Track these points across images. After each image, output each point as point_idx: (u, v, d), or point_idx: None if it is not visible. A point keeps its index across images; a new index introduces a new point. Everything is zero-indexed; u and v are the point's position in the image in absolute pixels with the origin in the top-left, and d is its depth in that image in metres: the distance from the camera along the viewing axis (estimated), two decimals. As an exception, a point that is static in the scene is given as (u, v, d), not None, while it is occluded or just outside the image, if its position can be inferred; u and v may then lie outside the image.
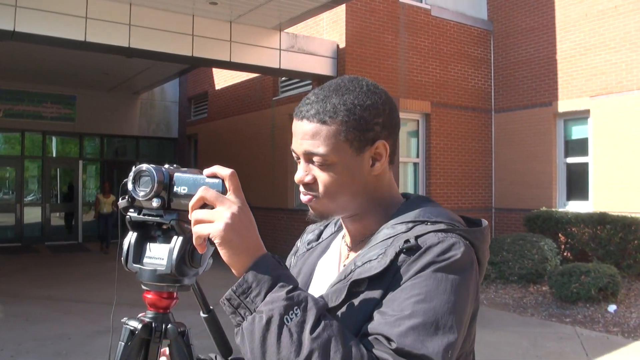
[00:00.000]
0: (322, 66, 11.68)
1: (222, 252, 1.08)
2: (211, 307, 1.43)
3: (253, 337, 1.05)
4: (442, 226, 1.21)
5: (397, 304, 1.10)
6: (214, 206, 1.08)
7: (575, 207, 12.04)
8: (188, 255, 1.18)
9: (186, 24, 9.82)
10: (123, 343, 1.20)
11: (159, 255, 1.20)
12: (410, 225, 1.23)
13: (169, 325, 1.24)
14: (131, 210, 1.21)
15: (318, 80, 12.19)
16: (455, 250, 1.15)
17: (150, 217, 1.19)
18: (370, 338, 1.09)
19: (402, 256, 1.16)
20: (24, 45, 10.36)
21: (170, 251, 1.18)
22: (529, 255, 9.97)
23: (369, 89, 1.29)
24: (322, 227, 1.54)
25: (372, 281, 1.17)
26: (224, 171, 1.12)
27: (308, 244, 1.51)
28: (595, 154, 11.69)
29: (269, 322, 1.04)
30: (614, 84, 11.29)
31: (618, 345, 6.98)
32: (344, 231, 1.43)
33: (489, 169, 14.02)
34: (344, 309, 1.19)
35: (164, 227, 1.22)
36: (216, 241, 1.07)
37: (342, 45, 11.72)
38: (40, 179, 17.66)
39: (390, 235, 1.23)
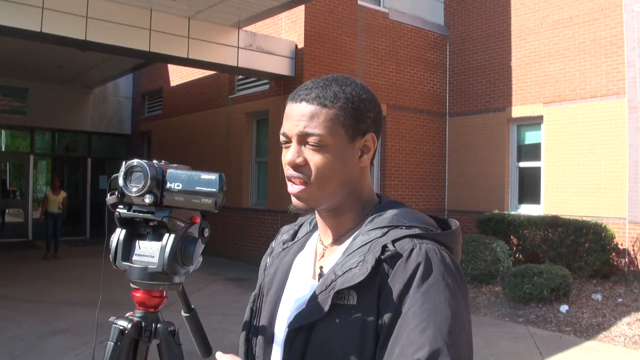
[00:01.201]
0: (280, 66, 11.65)
1: None
2: (193, 307, 1.42)
3: None
4: (416, 231, 1.23)
5: (405, 339, 1.12)
6: None
7: (527, 210, 12.29)
8: (180, 253, 1.16)
9: (144, 18, 9.66)
10: (112, 343, 1.17)
11: (150, 252, 1.17)
12: (385, 230, 1.25)
13: (159, 325, 1.21)
14: (120, 206, 1.17)
15: (275, 79, 12.17)
16: (434, 258, 1.18)
17: (141, 214, 1.16)
18: None
19: (385, 266, 1.18)
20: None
21: (162, 249, 1.15)
22: (481, 256, 10.13)
23: (363, 86, 1.35)
24: (296, 227, 1.54)
25: (359, 292, 1.18)
26: None
27: (283, 244, 1.50)
28: (547, 159, 11.95)
29: None
30: (567, 92, 11.57)
31: (571, 344, 7.15)
32: (318, 230, 1.44)
33: (443, 171, 14.21)
34: (332, 321, 1.20)
35: (151, 224, 1.19)
36: None
37: (301, 45, 11.71)
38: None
39: (366, 241, 1.24)
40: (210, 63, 11.00)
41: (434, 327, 1.11)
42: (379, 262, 1.17)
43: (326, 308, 1.19)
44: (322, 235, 1.41)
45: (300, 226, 1.54)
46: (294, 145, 1.29)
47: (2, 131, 17.43)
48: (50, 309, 8.42)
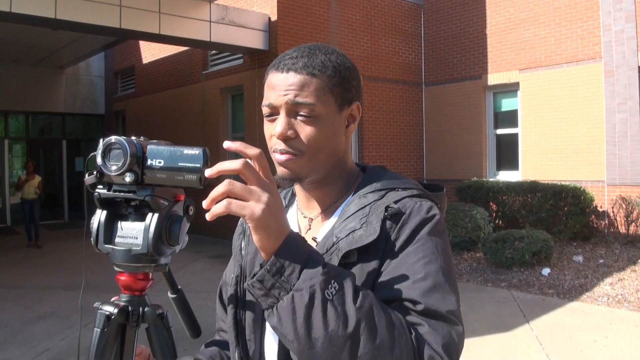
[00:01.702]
0: (254, 39, 11.51)
1: (258, 236, 1.02)
2: (179, 287, 1.38)
3: (295, 316, 1.01)
4: (414, 192, 1.24)
5: (407, 269, 1.13)
6: (244, 200, 1.01)
7: (505, 176, 12.36)
8: (165, 233, 1.10)
9: (114, -5, 9.47)
10: (99, 330, 1.12)
11: (133, 234, 1.11)
12: (382, 192, 1.25)
13: (147, 308, 1.16)
14: (100, 186, 1.12)
15: (249, 54, 12.03)
16: (434, 212, 1.20)
17: (122, 194, 1.10)
18: (394, 305, 1.10)
19: (387, 223, 1.18)
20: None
21: (146, 229, 1.09)
22: (462, 224, 10.18)
23: (344, 55, 1.32)
24: None
25: (361, 251, 1.17)
26: (251, 151, 1.04)
27: None
28: (525, 126, 12.00)
29: (312, 298, 1.00)
30: (543, 57, 11.58)
31: (554, 306, 7.25)
32: (297, 204, 1.41)
33: (420, 141, 14.22)
34: None
35: (133, 203, 1.14)
36: (252, 225, 1.01)
37: (274, 17, 11.57)
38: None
39: (365, 204, 1.23)
40: (183, 39, 10.83)
41: (436, 263, 1.14)
42: (383, 221, 1.17)
43: None
44: (304, 208, 1.38)
45: None
46: (282, 116, 1.23)
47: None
48: (32, 294, 8.33)
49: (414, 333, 1.06)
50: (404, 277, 1.12)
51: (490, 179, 12.15)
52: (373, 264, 1.16)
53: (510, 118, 12.63)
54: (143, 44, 16.39)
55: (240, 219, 1.48)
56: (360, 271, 1.16)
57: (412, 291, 1.10)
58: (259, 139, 11.47)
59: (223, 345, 1.46)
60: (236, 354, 1.31)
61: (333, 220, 1.29)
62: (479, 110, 12.87)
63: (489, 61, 12.61)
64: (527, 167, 11.89)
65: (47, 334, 6.40)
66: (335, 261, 1.17)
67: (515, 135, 12.42)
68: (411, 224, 1.17)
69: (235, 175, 1.03)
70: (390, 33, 13.56)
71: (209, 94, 13.64)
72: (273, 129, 1.25)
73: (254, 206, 1.00)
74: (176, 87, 15.01)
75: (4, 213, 16.89)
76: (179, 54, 14.63)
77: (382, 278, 1.14)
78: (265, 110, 1.27)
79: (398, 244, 1.16)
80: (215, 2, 10.84)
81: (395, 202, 1.20)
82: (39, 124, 18.57)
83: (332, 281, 1.02)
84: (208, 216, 0.99)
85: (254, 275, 1.05)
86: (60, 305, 7.56)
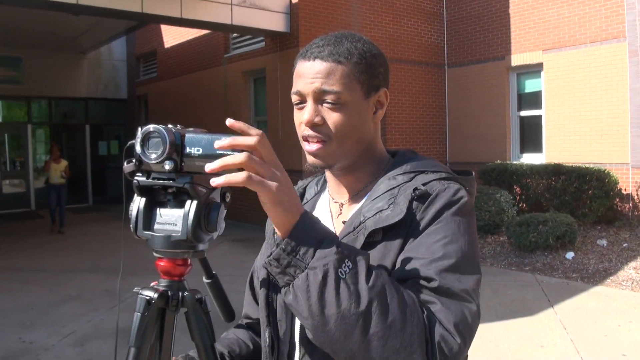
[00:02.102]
0: (275, 22, 11.49)
1: (272, 212, 1.06)
2: (214, 272, 1.39)
3: (309, 294, 1.03)
4: (442, 175, 1.26)
5: (426, 248, 1.14)
6: (260, 175, 1.02)
7: (529, 159, 12.26)
8: (204, 220, 1.12)
9: (135, -20, 9.50)
10: (139, 314, 1.14)
11: (172, 220, 1.13)
12: (411, 175, 1.27)
13: (186, 293, 1.18)
14: (138, 174, 1.13)
15: (271, 36, 12.02)
16: (461, 194, 1.22)
17: (161, 181, 1.12)
18: (408, 283, 1.12)
19: (414, 203, 1.19)
20: (-37, 4, 9.88)
21: (185, 216, 1.11)
22: (485, 207, 10.13)
23: (371, 42, 1.35)
24: (301, 190, 1.52)
25: (386, 230, 1.19)
26: (254, 130, 1.05)
27: None
28: (548, 107, 11.88)
29: (325, 277, 1.03)
30: (567, 37, 11.42)
31: (578, 290, 7.21)
32: (328, 189, 1.44)
33: (443, 123, 14.14)
34: None
35: (171, 190, 1.15)
36: (268, 200, 1.04)
37: (295, 0, 11.53)
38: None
39: (394, 185, 1.25)
40: (204, 22, 10.86)
41: (457, 244, 1.15)
42: (410, 202, 1.19)
43: (358, 247, 1.18)
44: (335, 194, 1.40)
45: (304, 188, 1.52)
46: (310, 104, 1.26)
47: (-1, 102, 17.30)
48: (57, 277, 8.46)
49: (425, 312, 1.07)
50: (422, 256, 1.13)
51: (514, 162, 12.05)
52: (397, 243, 1.18)
53: (534, 100, 12.50)
54: (165, 28, 16.42)
55: None
56: (384, 249, 1.19)
57: (428, 270, 1.11)
58: (281, 122, 11.49)
59: (243, 333, 1.50)
60: (267, 334, 1.34)
61: (362, 202, 1.31)
62: (503, 92, 12.75)
63: (512, 42, 12.47)
64: (551, 149, 11.78)
65: (72, 316, 6.50)
66: (361, 240, 1.20)
67: (539, 117, 12.29)
68: (437, 205, 1.18)
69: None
70: (413, 14, 13.45)
71: (231, 78, 13.65)
72: (301, 117, 1.27)
73: (270, 182, 1.02)
74: (198, 70, 15.05)
75: (28, 197, 17.14)
76: (201, 37, 14.65)
77: (402, 256, 1.16)
78: (294, 98, 1.29)
79: (422, 223, 1.17)
80: (236, -15, 10.83)
81: (424, 184, 1.22)
82: (61, 109, 18.74)
83: (346, 260, 1.04)
84: (216, 181, 1.01)
85: (271, 253, 1.09)
86: (85, 288, 7.67)
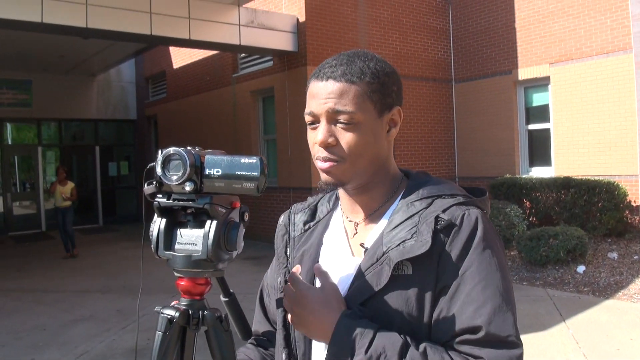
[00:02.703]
0: (283, 41, 11.57)
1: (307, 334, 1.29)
2: (231, 291, 1.42)
3: None
4: (460, 199, 1.26)
5: (465, 296, 1.16)
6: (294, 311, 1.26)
7: (538, 172, 12.24)
8: (224, 239, 1.15)
9: (144, 2, 9.60)
10: (161, 332, 1.16)
11: (192, 240, 1.16)
12: (429, 200, 1.27)
13: (206, 312, 1.20)
14: (159, 195, 1.16)
15: (279, 55, 12.10)
16: (483, 222, 1.22)
17: (181, 202, 1.15)
18: (454, 338, 1.16)
19: (440, 235, 1.20)
20: (-26, 29, 10.01)
21: (205, 236, 1.14)
22: (496, 221, 10.09)
23: (384, 60, 1.34)
24: (312, 207, 1.51)
25: (416, 262, 1.20)
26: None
27: (304, 224, 1.48)
28: (556, 120, 11.87)
29: None
30: (573, 50, 11.45)
31: (590, 304, 7.17)
32: (341, 207, 1.43)
33: (452, 138, 14.15)
34: (388, 293, 1.21)
35: (191, 211, 1.18)
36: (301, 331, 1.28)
37: (302, 19, 11.62)
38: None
39: (413, 212, 1.25)
40: (213, 43, 10.96)
41: (493, 285, 1.16)
42: (435, 232, 1.20)
43: (385, 280, 1.20)
44: (349, 212, 1.40)
45: (316, 205, 1.51)
46: (323, 124, 1.27)
47: (8, 124, 17.49)
48: (69, 297, 8.49)
49: None
50: (462, 307, 1.15)
51: (523, 176, 12.03)
52: (431, 280, 1.19)
53: (542, 113, 12.49)
54: (173, 49, 16.56)
55: (281, 220, 1.53)
56: (419, 287, 1.19)
57: (472, 320, 1.14)
58: (290, 140, 11.52)
59: (253, 352, 1.50)
60: (284, 355, 1.35)
61: (380, 225, 1.31)
62: (510, 106, 12.77)
63: (519, 55, 12.50)
64: (560, 162, 11.76)
65: (85, 337, 6.51)
66: (386, 271, 1.20)
67: (547, 131, 12.28)
68: (462, 236, 1.20)
69: None
70: (419, 30, 13.52)
71: (240, 97, 13.73)
72: (315, 137, 1.28)
73: (295, 320, 1.25)
74: (207, 90, 15.15)
75: (38, 218, 17.22)
76: (209, 57, 14.76)
77: (441, 308, 1.18)
78: (307, 118, 1.30)
79: (452, 259, 1.19)
80: (243, 6, 10.92)
81: (444, 210, 1.22)
82: (71, 131, 18.91)
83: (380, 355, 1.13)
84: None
85: None
86: (98, 309, 7.69)
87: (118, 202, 19.05)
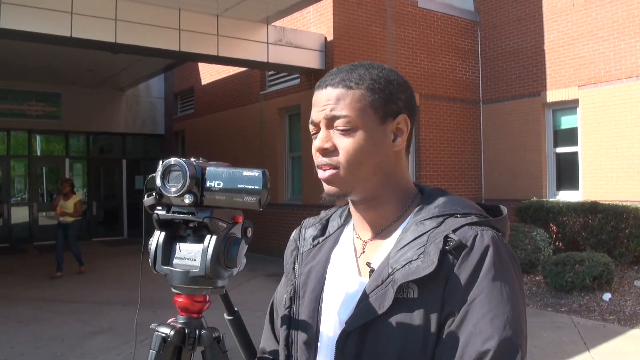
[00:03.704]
0: (310, 59, 11.60)
1: None
2: (236, 309, 1.37)
3: None
4: (474, 218, 1.19)
5: (473, 326, 1.10)
6: None
7: (565, 196, 12.06)
8: (223, 255, 1.10)
9: (173, 18, 9.69)
10: (154, 351, 1.12)
11: (191, 255, 1.11)
12: (440, 219, 1.20)
13: (203, 331, 1.15)
14: (159, 208, 1.12)
15: (306, 73, 12.12)
16: (497, 245, 1.15)
17: (181, 215, 1.10)
18: None
19: (449, 257, 1.14)
20: (7, 42, 10.17)
21: (204, 251, 1.09)
22: (521, 245, 9.96)
23: (392, 70, 1.31)
24: (324, 221, 1.47)
25: (421, 285, 1.14)
26: None
27: (313, 239, 1.43)
28: (585, 144, 11.70)
29: None
30: (603, 73, 11.30)
31: (615, 333, 6.99)
32: (353, 224, 1.38)
33: (479, 160, 14.02)
34: (392, 316, 1.15)
35: (192, 225, 1.14)
36: None
37: (330, 38, 11.65)
38: (26, 179, 17.39)
39: (422, 232, 1.19)
40: (241, 60, 11.02)
41: (502, 316, 1.09)
42: (443, 253, 1.14)
43: (388, 303, 1.14)
44: (359, 229, 1.35)
45: (327, 220, 1.47)
46: (322, 130, 1.24)
47: (37, 136, 17.76)
48: (90, 309, 8.51)
49: None
50: (470, 337, 1.09)
51: (550, 199, 11.86)
52: (436, 305, 1.13)
53: (570, 136, 12.33)
54: (202, 66, 16.70)
55: (292, 234, 1.49)
56: (425, 312, 1.13)
57: (479, 353, 1.07)
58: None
59: None
60: None
61: (388, 245, 1.26)
62: (538, 128, 12.62)
63: (548, 77, 12.37)
64: (588, 186, 11.57)
65: (103, 349, 6.51)
66: (390, 294, 1.15)
67: (575, 154, 12.10)
68: (473, 259, 1.13)
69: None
70: (447, 50, 13.47)
71: (267, 114, 13.77)
72: (314, 144, 1.25)
73: None
74: (234, 107, 15.22)
75: (64, 229, 17.36)
76: (237, 74, 14.85)
77: (446, 341, 1.12)
78: (310, 128, 1.28)
79: (460, 284, 1.12)
80: (272, 24, 10.98)
81: (454, 230, 1.16)
82: (99, 144, 19.13)
83: None
84: None
85: None
86: (118, 321, 7.69)
87: (144, 217, 19.18)
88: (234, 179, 1.06)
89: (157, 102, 19.59)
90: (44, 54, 12.75)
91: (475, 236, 1.15)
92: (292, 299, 1.35)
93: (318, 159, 1.25)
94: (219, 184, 1.07)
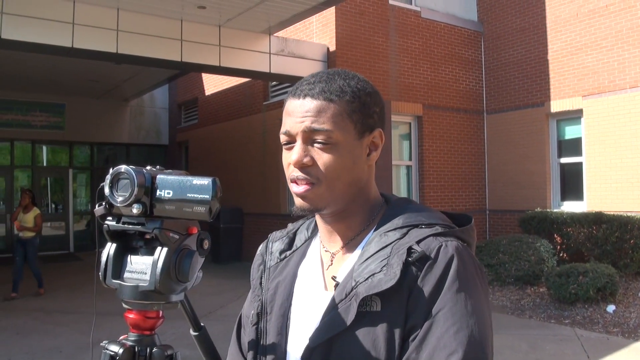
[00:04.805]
0: (313, 70, 11.54)
1: None
2: (202, 324, 1.32)
3: None
4: (438, 229, 1.16)
5: (436, 341, 1.05)
6: None
7: (570, 207, 11.96)
8: (174, 268, 1.04)
9: (175, 29, 9.69)
10: None
11: (141, 269, 1.05)
12: (404, 230, 1.17)
13: (155, 349, 1.09)
14: (109, 218, 1.06)
15: (309, 84, 12.07)
16: (462, 256, 1.11)
17: (130, 226, 1.04)
18: None
19: (412, 268, 1.10)
20: (10, 52, 10.19)
21: (154, 264, 1.03)
22: (525, 256, 9.87)
23: (366, 80, 1.27)
24: (291, 235, 1.42)
25: (384, 298, 1.10)
26: None
27: (280, 253, 1.38)
28: (589, 154, 11.62)
29: None
30: (607, 83, 11.23)
31: (619, 346, 6.88)
32: (320, 236, 1.34)
33: (482, 170, 13.94)
34: (355, 330, 1.11)
35: (147, 236, 1.08)
36: None
37: (333, 48, 11.61)
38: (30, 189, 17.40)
39: (386, 243, 1.15)
40: (243, 70, 10.99)
41: (467, 329, 1.06)
42: (406, 265, 1.10)
43: (351, 317, 1.10)
44: (326, 241, 1.31)
45: (295, 233, 1.42)
46: (299, 144, 1.19)
47: (42, 146, 17.76)
48: (89, 319, 8.44)
49: None
50: (434, 353, 1.04)
51: (555, 210, 11.76)
52: (399, 318, 1.09)
53: (574, 146, 12.25)
54: (205, 77, 16.72)
55: (259, 248, 1.44)
56: (388, 326, 1.09)
57: None
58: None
59: None
60: None
61: (354, 257, 1.21)
62: (542, 139, 12.55)
63: (551, 88, 12.31)
64: (592, 197, 11.48)
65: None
66: (354, 307, 1.10)
67: (580, 164, 12.02)
68: (436, 272, 1.09)
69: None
70: (451, 61, 13.43)
71: (270, 124, 13.74)
72: (290, 157, 1.19)
73: None
74: (238, 117, 15.21)
75: (67, 240, 17.41)
76: (241, 85, 14.85)
77: (411, 354, 1.07)
78: (282, 138, 1.22)
79: (424, 297, 1.08)
80: (274, 34, 10.96)
81: (418, 241, 1.12)
82: (103, 154, 19.13)
83: None
84: None
85: None
86: (117, 332, 7.54)
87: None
88: (184, 187, 1.00)
89: (161, 112, 19.62)
90: (48, 65, 12.78)
91: (440, 247, 1.12)
92: (260, 315, 1.30)
93: (293, 172, 1.20)
94: (168, 193, 1.01)
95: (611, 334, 7.38)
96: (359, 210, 1.25)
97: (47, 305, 9.46)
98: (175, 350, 1.14)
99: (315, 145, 1.18)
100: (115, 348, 1.07)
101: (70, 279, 12.14)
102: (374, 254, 1.15)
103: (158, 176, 1.03)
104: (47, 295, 10.37)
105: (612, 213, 10.26)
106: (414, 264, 1.10)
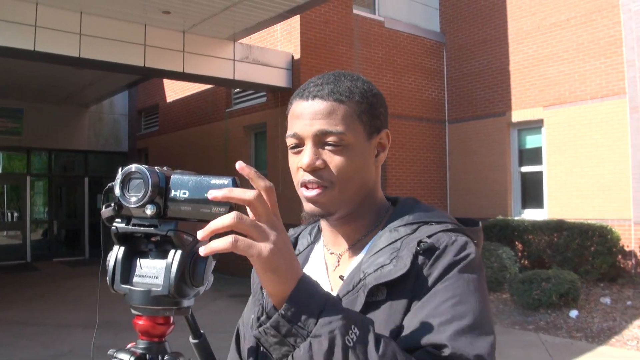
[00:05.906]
0: (277, 77, 11.53)
1: (266, 279, 0.92)
2: (202, 332, 1.27)
3: None
4: (448, 226, 1.15)
5: (434, 309, 1.03)
6: (251, 237, 0.89)
7: (530, 215, 12.15)
8: (189, 273, 0.99)
9: (138, 34, 9.55)
10: None
11: (153, 273, 1.00)
12: (414, 226, 1.16)
13: (166, 357, 1.04)
14: (117, 220, 1.01)
15: (272, 91, 12.05)
16: (470, 248, 1.11)
17: (142, 228, 0.99)
18: (417, 352, 1.00)
19: (420, 258, 1.09)
20: (-34, 56, 9.93)
21: (168, 268, 0.97)
22: (487, 263, 9.95)
23: (370, 82, 1.27)
24: (293, 240, 1.39)
25: (391, 287, 1.08)
26: (262, 182, 0.92)
27: None
28: (550, 163, 11.83)
29: (331, 345, 0.90)
30: (567, 94, 11.46)
31: (583, 350, 6.99)
32: (323, 240, 1.32)
33: (444, 179, 14.07)
34: None
35: (153, 239, 1.02)
36: (259, 267, 0.91)
37: (297, 56, 11.61)
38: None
39: (396, 238, 1.15)
40: (207, 77, 10.89)
41: (466, 304, 1.04)
42: (415, 256, 1.09)
43: (358, 307, 1.08)
44: (331, 244, 1.29)
45: (296, 238, 1.40)
46: (309, 146, 1.16)
47: (-1, 153, 17.29)
48: (50, 332, 8.24)
49: None
50: (430, 319, 1.02)
51: (516, 218, 11.93)
52: (402, 303, 1.07)
53: (535, 155, 12.46)
54: (167, 83, 16.54)
55: None
56: (389, 310, 1.07)
57: (438, 335, 1.00)
58: (281, 177, 11.41)
59: None
60: None
61: (362, 256, 1.20)
62: (504, 148, 12.73)
63: (513, 98, 12.51)
64: (553, 205, 11.68)
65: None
66: (361, 298, 1.09)
67: (540, 173, 12.24)
68: (445, 260, 1.08)
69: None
70: (413, 71, 13.54)
71: (233, 132, 13.66)
72: (300, 161, 1.16)
73: (262, 246, 0.89)
74: (199, 124, 15.08)
75: (25, 249, 16.92)
76: (203, 92, 14.73)
77: (408, 319, 1.05)
78: (290, 141, 1.19)
79: (429, 281, 1.07)
80: (239, 41, 10.90)
81: (429, 236, 1.11)
82: (61, 161, 18.72)
83: (352, 326, 0.92)
84: (203, 250, 0.88)
85: (268, 318, 0.95)
86: (79, 344, 7.44)
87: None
88: (201, 187, 0.95)
89: (121, 119, 19.33)
90: (8, 69, 12.46)
91: (449, 240, 1.11)
92: (260, 317, 1.26)
93: (304, 176, 1.17)
94: (184, 194, 0.96)
95: (575, 338, 7.48)
96: (366, 213, 1.24)
97: (7, 317, 9.16)
98: (187, 358, 1.09)
99: (327, 147, 1.15)
100: (124, 356, 1.01)
101: (30, 290, 11.83)
102: (384, 247, 1.14)
103: (172, 176, 0.98)
104: (6, 305, 10.08)
105: (572, 221, 10.46)
106: (422, 254, 1.09)
